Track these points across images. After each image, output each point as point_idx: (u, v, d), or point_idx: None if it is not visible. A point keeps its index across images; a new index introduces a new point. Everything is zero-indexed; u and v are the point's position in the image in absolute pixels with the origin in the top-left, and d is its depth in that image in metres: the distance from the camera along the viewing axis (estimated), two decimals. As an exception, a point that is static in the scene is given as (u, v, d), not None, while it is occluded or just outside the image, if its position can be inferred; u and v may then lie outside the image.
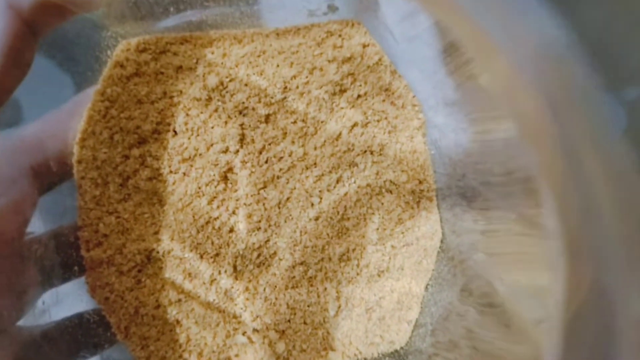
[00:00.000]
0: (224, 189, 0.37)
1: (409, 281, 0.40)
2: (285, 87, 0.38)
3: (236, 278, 0.37)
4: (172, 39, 0.38)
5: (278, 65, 0.38)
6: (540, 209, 0.29)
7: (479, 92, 0.34)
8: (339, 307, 0.39)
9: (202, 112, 0.37)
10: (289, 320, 0.38)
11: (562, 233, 0.26)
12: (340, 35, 0.39)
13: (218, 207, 0.37)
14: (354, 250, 0.39)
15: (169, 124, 0.37)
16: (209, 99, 0.37)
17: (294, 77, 0.38)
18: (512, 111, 0.28)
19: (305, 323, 0.38)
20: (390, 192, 0.40)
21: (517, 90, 0.26)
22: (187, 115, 0.37)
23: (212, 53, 0.38)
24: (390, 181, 0.39)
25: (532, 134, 0.27)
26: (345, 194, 0.39)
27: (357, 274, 0.39)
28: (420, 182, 0.40)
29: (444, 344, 0.38)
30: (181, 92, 0.37)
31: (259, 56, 0.38)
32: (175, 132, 0.37)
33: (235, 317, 0.37)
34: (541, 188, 0.27)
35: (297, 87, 0.38)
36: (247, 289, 0.37)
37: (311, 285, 0.38)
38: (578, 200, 0.25)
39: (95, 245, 0.37)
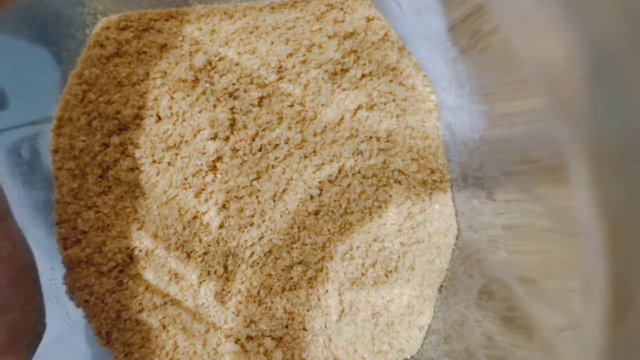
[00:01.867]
0: (213, 180, 0.33)
1: (420, 282, 0.35)
2: (281, 67, 0.34)
3: (227, 279, 0.34)
4: (156, 15, 0.34)
5: (272, 43, 0.34)
6: (571, 201, 0.26)
7: (500, 67, 0.30)
8: (342, 311, 0.35)
9: (188, 95, 0.33)
10: (286, 326, 0.34)
11: (600, 229, 0.22)
12: (342, 9, 0.35)
13: (206, 200, 0.33)
14: (358, 248, 0.35)
15: (152, 109, 0.33)
16: (196, 81, 0.33)
17: (290, 55, 0.34)
18: (543, 83, 0.24)
19: (304, 329, 0.35)
20: (399, 182, 0.35)
21: (550, 58, 0.22)
22: (172, 98, 0.33)
23: (200, 30, 0.34)
24: (399, 171, 0.35)
25: (566, 110, 0.23)
26: (349, 186, 0.35)
27: (362, 275, 0.35)
28: (433, 172, 0.36)
29: (458, 352, 0.34)
30: (165, 73, 0.33)
31: (251, 32, 0.34)
32: (159, 118, 0.33)
33: (226, 322, 0.34)
34: (575, 177, 0.23)
35: (294, 66, 0.34)
36: (239, 291, 0.34)
37: (311, 287, 0.35)
38: (623, 191, 0.21)
39: (74, 243, 0.33)
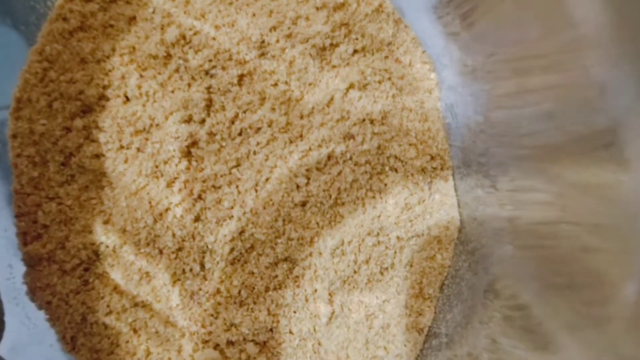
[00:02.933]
0: (187, 168, 0.30)
1: (419, 280, 0.32)
2: (263, 42, 0.31)
3: (204, 278, 0.31)
4: None
5: (254, 15, 0.31)
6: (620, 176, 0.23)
7: (515, 37, 0.26)
8: (332, 312, 0.32)
9: (159, 73, 0.30)
10: (271, 330, 0.31)
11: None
12: (331, -24, 0.32)
13: (180, 190, 0.30)
14: (350, 243, 0.32)
15: (118, 88, 0.30)
16: (168, 57, 0.30)
17: (274, 28, 0.31)
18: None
19: (291, 332, 0.31)
20: (396, 170, 0.32)
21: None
22: (141, 76, 0.30)
23: (173, 0, 0.31)
24: (396, 157, 0.32)
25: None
26: (339, 173, 0.31)
27: (355, 272, 0.32)
28: (433, 158, 0.33)
29: (461, 358, 0.31)
30: (134, 48, 0.30)
31: (230, 4, 0.31)
32: (127, 98, 0.30)
33: (204, 326, 0.30)
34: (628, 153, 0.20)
35: (278, 41, 0.31)
36: (218, 291, 0.31)
37: (297, 287, 0.31)
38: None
39: (34, 238, 0.30)
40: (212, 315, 0.31)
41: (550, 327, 0.27)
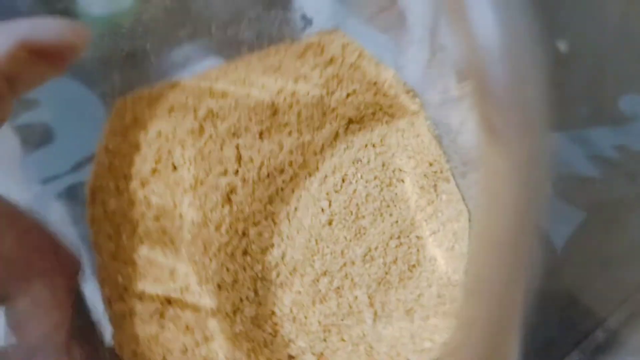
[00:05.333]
0: (230, 212, 0.36)
1: (444, 270, 0.36)
2: (274, 103, 0.38)
3: (260, 303, 0.35)
4: (161, 89, 0.39)
5: (264, 86, 0.38)
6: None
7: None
8: (375, 313, 0.35)
9: (196, 142, 0.37)
10: (324, 340, 0.35)
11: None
12: (319, 44, 0.39)
13: (227, 231, 0.36)
14: (376, 248, 0.36)
15: (167, 160, 0.37)
16: (202, 128, 0.37)
17: (281, 91, 0.38)
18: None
19: (343, 340, 0.35)
20: (402, 180, 0.37)
21: None
22: (183, 147, 0.37)
23: (200, 88, 0.39)
24: (400, 169, 0.37)
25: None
26: (354, 191, 0.37)
27: (386, 273, 0.36)
28: (431, 164, 0.37)
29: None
30: (175, 128, 0.37)
31: (244, 82, 0.39)
32: (175, 167, 0.37)
33: (266, 345, 0.34)
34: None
35: (285, 99, 0.38)
36: (273, 312, 0.35)
37: (340, 296, 0.35)
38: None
39: (117, 299, 0.36)
40: (271, 334, 0.35)
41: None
